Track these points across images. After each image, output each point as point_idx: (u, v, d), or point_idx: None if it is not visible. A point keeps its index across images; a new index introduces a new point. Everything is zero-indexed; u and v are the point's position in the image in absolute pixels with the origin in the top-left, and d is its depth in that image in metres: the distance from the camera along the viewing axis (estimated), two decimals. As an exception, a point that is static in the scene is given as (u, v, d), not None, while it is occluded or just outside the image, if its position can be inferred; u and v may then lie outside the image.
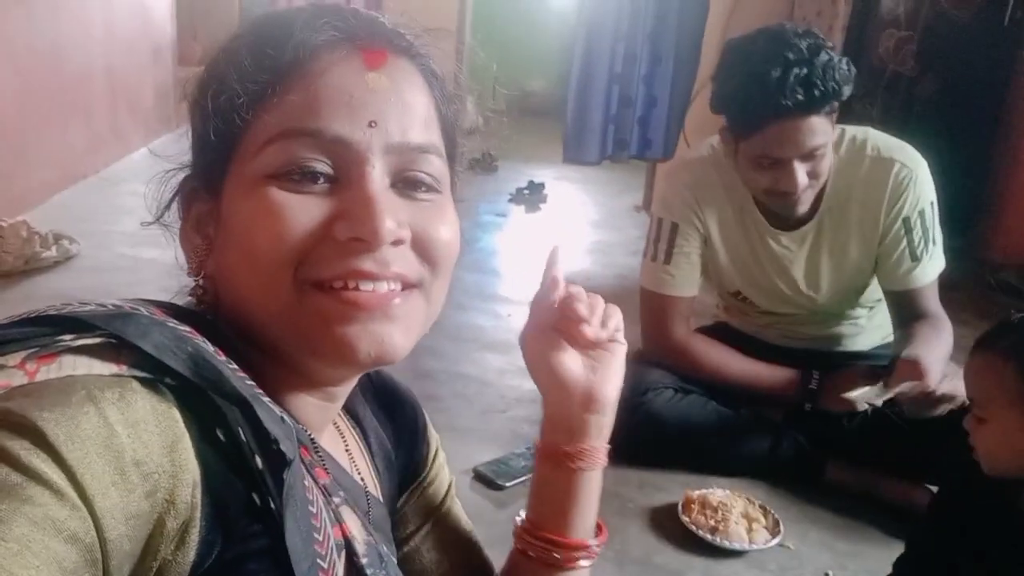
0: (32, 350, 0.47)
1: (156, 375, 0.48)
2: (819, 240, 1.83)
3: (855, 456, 1.85)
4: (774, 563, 1.64)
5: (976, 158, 3.86)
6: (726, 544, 1.64)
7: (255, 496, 0.50)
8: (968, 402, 1.20)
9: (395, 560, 0.70)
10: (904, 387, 1.62)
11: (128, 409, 0.46)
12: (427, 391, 2.18)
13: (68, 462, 0.42)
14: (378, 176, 0.56)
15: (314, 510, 0.55)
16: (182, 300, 0.62)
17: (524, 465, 1.88)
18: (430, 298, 0.60)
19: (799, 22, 4.58)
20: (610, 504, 1.76)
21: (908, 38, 3.89)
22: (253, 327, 0.58)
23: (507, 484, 1.81)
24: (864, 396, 1.70)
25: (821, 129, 1.59)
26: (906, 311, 1.80)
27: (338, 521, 0.60)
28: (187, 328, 0.52)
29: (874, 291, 1.91)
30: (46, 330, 0.48)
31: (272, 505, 0.50)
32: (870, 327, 1.99)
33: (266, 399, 0.53)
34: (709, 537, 1.65)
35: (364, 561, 0.61)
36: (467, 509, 0.87)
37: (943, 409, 1.64)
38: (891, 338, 1.99)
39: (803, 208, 1.73)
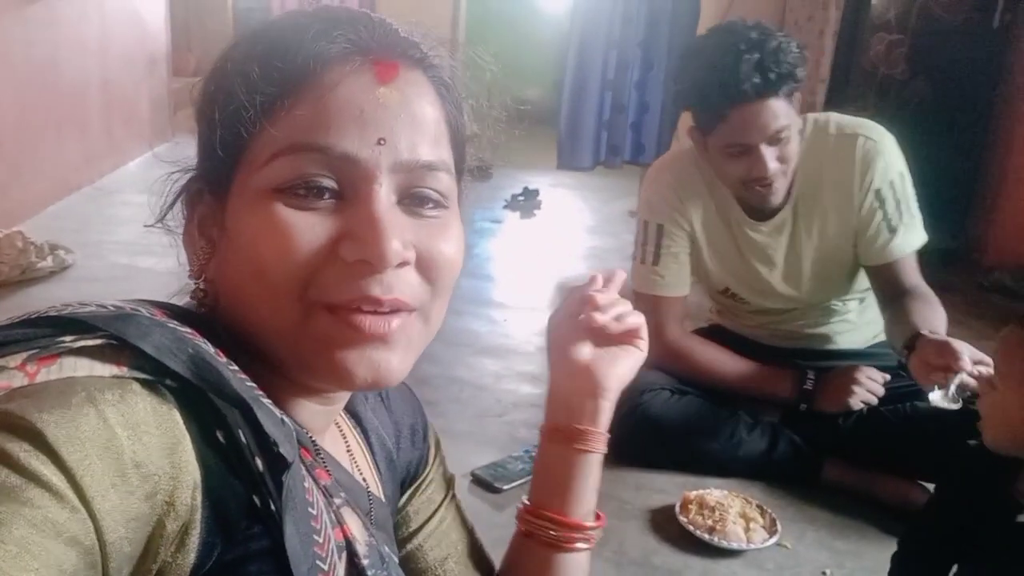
0: (32, 351, 0.47)
1: (157, 376, 0.48)
2: (797, 225, 1.85)
3: (851, 455, 1.86)
4: (772, 562, 1.64)
5: (968, 160, 3.88)
6: (724, 544, 1.64)
7: (255, 498, 0.50)
8: None
9: (397, 560, 0.70)
10: (969, 381, 1.48)
11: (128, 411, 0.45)
12: (424, 396, 2.16)
13: (68, 464, 0.42)
14: (385, 194, 0.55)
15: (314, 512, 0.55)
16: (181, 301, 0.62)
17: (522, 468, 1.88)
18: (429, 319, 0.60)
19: (790, 27, 4.60)
20: (608, 506, 1.75)
21: (899, 41, 3.92)
22: (255, 336, 0.58)
23: (505, 487, 1.82)
24: (945, 398, 1.55)
25: (782, 111, 1.64)
26: (890, 287, 1.80)
27: (339, 522, 0.60)
28: (188, 329, 0.52)
29: (860, 280, 1.92)
30: (46, 331, 0.48)
31: (272, 507, 0.50)
32: (861, 323, 2.00)
33: (266, 401, 0.53)
34: (707, 537, 1.65)
35: (365, 562, 0.61)
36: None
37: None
38: (883, 336, 2.00)
39: (777, 198, 1.76)
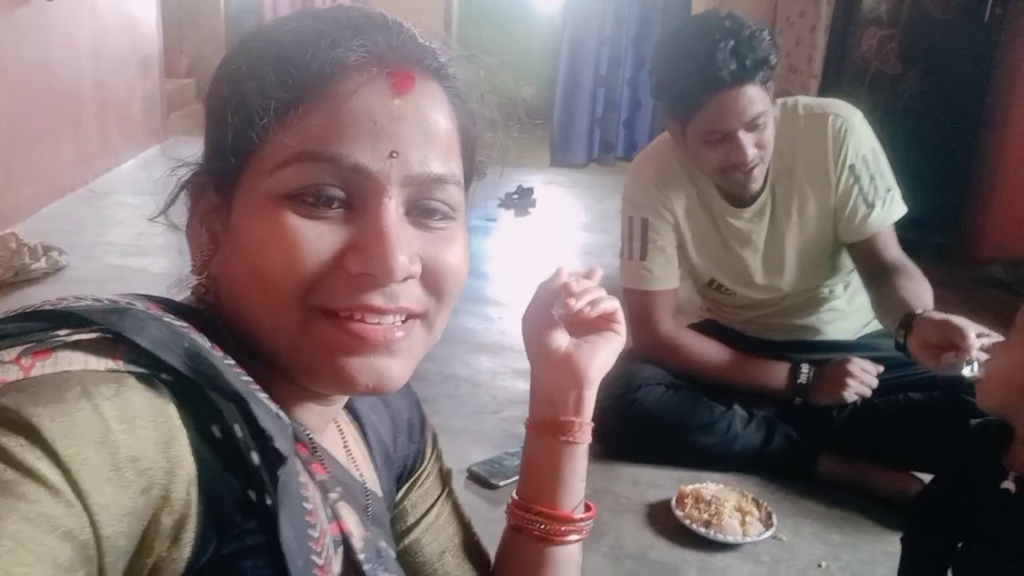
0: (27, 345, 0.47)
1: (152, 370, 0.48)
2: (776, 209, 1.86)
3: (846, 448, 1.87)
4: (768, 555, 1.65)
5: (961, 154, 3.88)
6: (720, 538, 1.65)
7: (251, 492, 0.50)
8: None
9: (394, 555, 0.70)
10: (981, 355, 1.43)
11: (124, 405, 0.45)
12: (420, 393, 2.16)
13: (63, 458, 0.42)
14: (394, 207, 0.55)
15: (309, 507, 0.55)
16: (181, 295, 0.61)
17: (517, 464, 1.86)
18: (432, 327, 0.61)
19: (782, 23, 4.62)
20: (604, 501, 1.77)
21: (890, 36, 3.92)
22: (255, 337, 0.57)
23: (501, 483, 1.82)
24: (957, 366, 1.47)
25: (759, 98, 1.65)
26: (871, 262, 1.81)
27: (335, 517, 0.60)
28: (183, 324, 0.53)
29: (842, 264, 1.93)
30: (41, 325, 0.48)
31: (268, 502, 0.50)
32: (849, 311, 2.00)
33: (262, 395, 0.54)
34: (703, 531, 1.66)
35: (361, 557, 0.61)
36: (462, 508, 0.88)
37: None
38: (874, 326, 2.01)
39: (756, 184, 1.78)
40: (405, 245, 0.55)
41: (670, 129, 1.83)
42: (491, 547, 0.86)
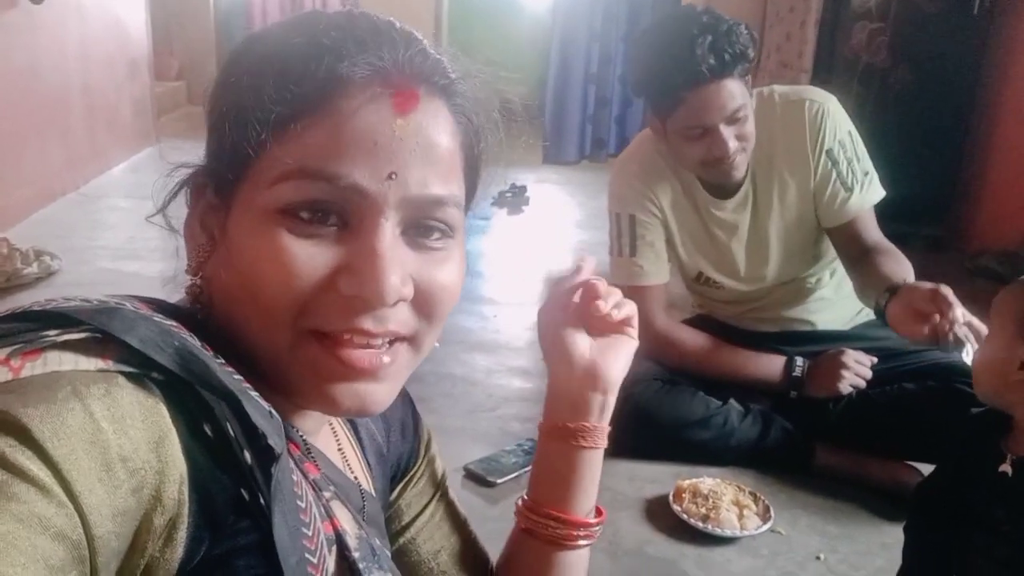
0: (16, 346, 0.46)
1: (142, 370, 0.48)
2: (758, 197, 1.87)
3: (842, 439, 1.87)
4: (766, 548, 1.65)
5: (951, 146, 3.90)
6: (718, 531, 1.65)
7: (243, 491, 0.50)
8: None
9: (389, 553, 0.70)
10: (967, 333, 1.43)
11: (114, 404, 0.45)
12: (415, 392, 2.16)
13: (54, 459, 0.42)
14: (389, 228, 0.54)
15: (303, 504, 0.55)
16: (174, 294, 0.61)
17: (514, 462, 1.89)
18: (420, 348, 0.60)
19: (772, 18, 4.62)
20: (601, 497, 1.73)
21: (880, 30, 3.93)
22: (247, 346, 0.57)
23: (498, 481, 1.82)
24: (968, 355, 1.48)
25: (738, 91, 1.67)
26: (852, 245, 1.82)
27: (328, 516, 0.60)
28: (173, 323, 0.52)
29: (825, 250, 1.94)
30: (30, 326, 0.48)
31: (261, 500, 0.50)
32: (838, 299, 2.00)
33: (254, 393, 0.53)
34: (701, 525, 1.66)
35: (356, 555, 0.61)
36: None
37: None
38: (866, 315, 2.01)
39: (739, 173, 1.79)
40: (398, 267, 0.54)
41: (651, 124, 1.84)
42: (489, 545, 0.85)
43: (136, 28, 5.41)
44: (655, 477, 1.88)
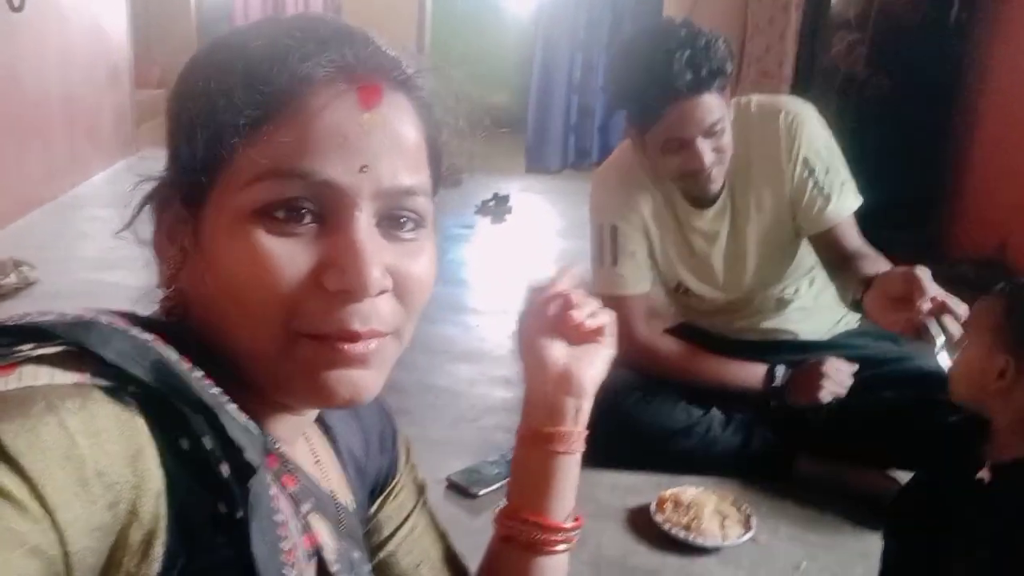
0: None
1: (118, 384, 0.48)
2: (735, 207, 1.89)
3: (823, 448, 1.88)
4: (747, 558, 1.65)
5: (929, 155, 3.94)
6: (700, 542, 1.65)
7: (220, 506, 0.50)
8: None
9: (368, 568, 0.70)
10: (954, 326, 1.33)
11: (90, 419, 0.45)
12: (398, 403, 2.17)
13: (29, 474, 0.42)
14: (365, 220, 0.55)
15: (281, 519, 0.55)
16: (147, 309, 0.61)
17: (497, 473, 1.88)
18: (402, 338, 0.61)
19: (752, 29, 4.67)
20: (584, 507, 1.74)
21: (859, 40, 3.98)
22: (228, 352, 0.57)
23: (480, 492, 1.82)
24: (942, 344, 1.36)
25: (716, 105, 1.68)
26: (833, 252, 1.82)
27: (307, 529, 0.60)
28: (150, 336, 0.52)
29: (803, 258, 1.95)
30: (5, 340, 0.48)
31: (238, 515, 0.50)
32: (817, 309, 2.02)
33: (231, 407, 0.53)
34: (683, 535, 1.66)
35: (335, 569, 0.61)
36: (441, 518, 0.87)
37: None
38: (846, 324, 2.03)
39: (716, 185, 1.80)
40: (378, 257, 0.55)
41: (630, 136, 1.85)
42: (471, 556, 0.85)
43: (117, 35, 5.38)
44: (637, 487, 1.88)
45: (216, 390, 0.53)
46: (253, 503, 0.51)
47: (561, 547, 0.78)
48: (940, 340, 1.28)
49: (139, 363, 0.49)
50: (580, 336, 0.79)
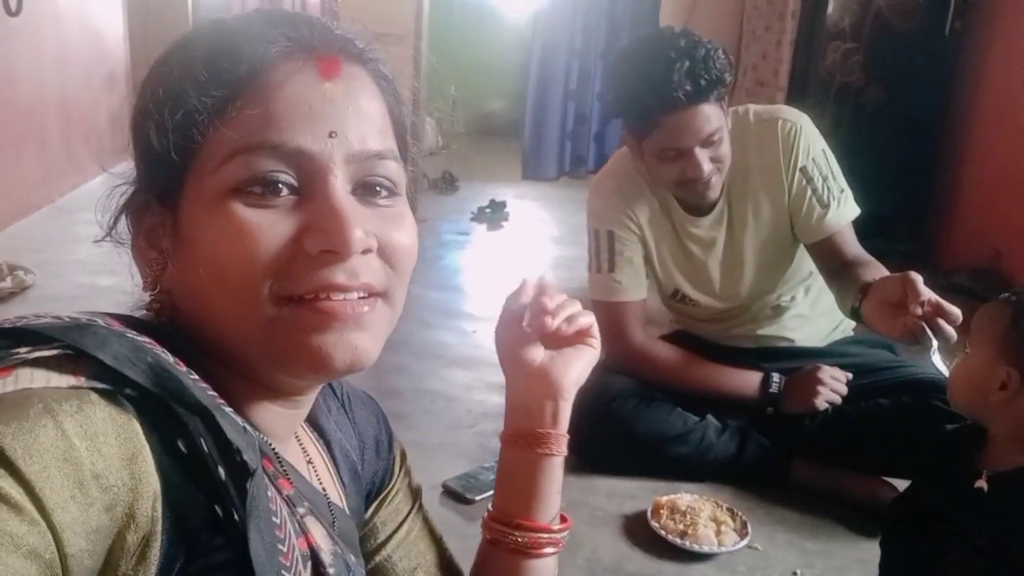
0: None
1: (115, 386, 0.48)
2: (732, 215, 1.89)
3: (818, 455, 1.88)
4: (743, 564, 1.65)
5: (924, 164, 3.96)
6: (695, 548, 1.65)
7: (217, 508, 0.50)
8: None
9: (363, 571, 0.70)
10: (947, 329, 1.34)
11: (86, 421, 0.45)
12: (394, 408, 2.18)
13: (26, 476, 0.42)
14: (341, 185, 0.56)
15: (278, 521, 0.55)
16: (137, 315, 0.61)
17: (492, 479, 1.86)
18: (393, 303, 0.61)
19: (748, 37, 4.68)
20: (580, 513, 1.77)
21: (854, 49, 4.00)
22: (219, 340, 0.57)
23: (476, 498, 1.81)
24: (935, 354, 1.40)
25: (714, 115, 1.69)
26: (832, 260, 1.83)
27: (303, 532, 0.60)
28: (146, 339, 0.52)
29: (799, 266, 1.95)
30: (1, 343, 0.48)
31: (235, 516, 0.50)
32: (814, 316, 2.02)
33: (228, 409, 0.53)
34: (679, 542, 1.66)
35: (331, 571, 0.61)
36: (437, 524, 0.87)
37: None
38: (842, 332, 2.03)
39: (714, 193, 1.81)
40: (358, 220, 0.56)
41: (628, 143, 1.86)
42: (467, 562, 0.85)
43: (114, 40, 5.38)
44: (633, 493, 1.88)
45: (213, 393, 0.53)
46: (251, 505, 0.51)
47: (548, 549, 0.78)
48: (934, 343, 1.30)
49: (136, 366, 0.49)
50: (561, 340, 0.79)
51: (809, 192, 1.83)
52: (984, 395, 1.14)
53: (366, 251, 0.56)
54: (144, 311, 0.61)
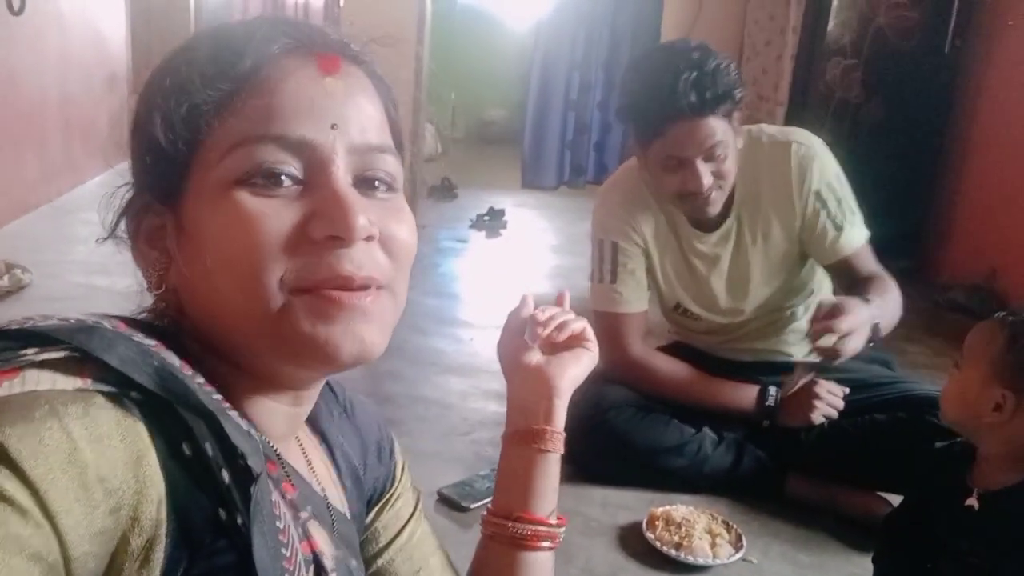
0: None
1: (121, 389, 0.48)
2: (741, 234, 1.90)
3: (814, 469, 1.88)
4: (737, 577, 1.65)
5: (921, 180, 3.98)
6: (690, 560, 1.65)
7: (221, 511, 0.50)
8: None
9: (364, 575, 0.70)
10: (823, 341, 1.60)
11: (92, 424, 0.45)
12: (389, 415, 2.17)
13: (31, 479, 0.42)
14: (343, 176, 0.57)
15: (281, 525, 0.55)
16: (142, 315, 0.61)
17: (488, 487, 1.87)
18: (396, 295, 0.61)
19: (749, 52, 4.71)
20: (574, 523, 1.76)
21: (854, 66, 4.02)
22: (225, 336, 0.57)
23: (471, 506, 1.81)
24: (800, 376, 1.79)
25: (719, 129, 1.68)
26: (847, 279, 1.85)
27: (306, 536, 0.60)
28: (153, 341, 0.52)
29: (802, 284, 1.96)
30: (8, 344, 0.48)
31: (239, 520, 0.50)
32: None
33: (233, 413, 0.53)
34: (673, 553, 1.66)
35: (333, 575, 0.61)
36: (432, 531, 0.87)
37: (851, 347, 1.60)
38: None
39: (714, 209, 1.81)
40: (361, 208, 0.56)
41: (634, 151, 1.86)
42: (462, 569, 0.86)
43: (115, 42, 5.39)
44: (628, 504, 1.88)
45: (218, 397, 0.53)
46: (255, 509, 0.51)
47: (545, 543, 0.81)
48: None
49: (142, 369, 0.49)
50: (558, 346, 0.86)
51: (824, 215, 1.83)
52: (977, 415, 1.15)
53: (369, 238, 0.57)
54: (148, 312, 0.61)
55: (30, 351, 0.48)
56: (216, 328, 0.57)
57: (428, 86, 4.34)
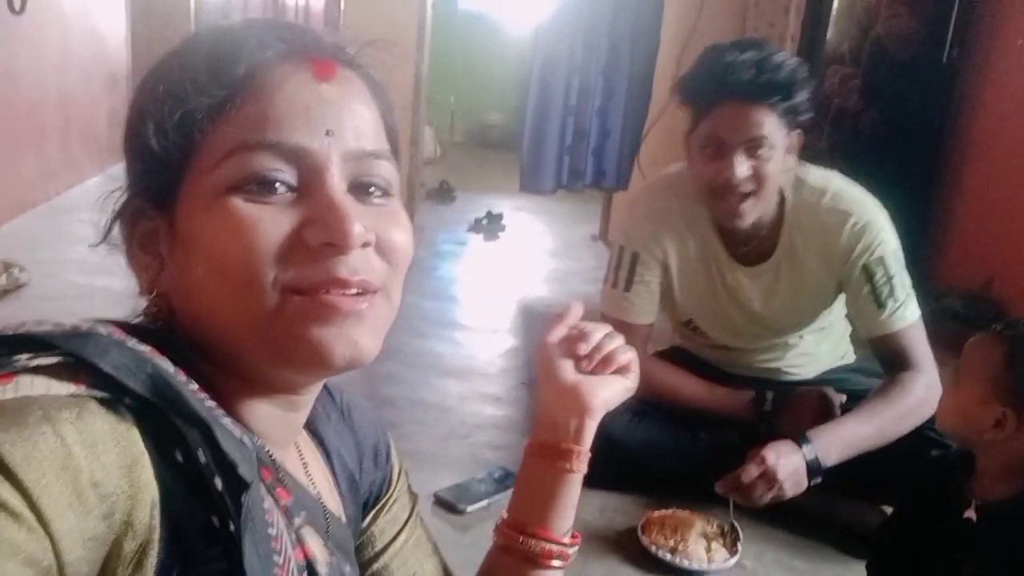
0: None
1: (115, 395, 0.48)
2: (779, 277, 1.87)
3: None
4: (732, 583, 1.65)
5: (919, 188, 3.98)
6: (685, 564, 1.65)
7: (214, 518, 0.50)
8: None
9: (359, 580, 0.70)
10: (758, 502, 1.67)
11: (86, 429, 0.45)
12: (387, 418, 2.17)
13: (25, 484, 0.42)
14: (337, 182, 0.57)
15: (274, 532, 0.55)
16: (134, 321, 0.61)
17: (485, 490, 1.88)
18: (391, 299, 0.61)
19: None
20: (570, 528, 1.76)
21: (853, 74, 4.03)
22: (219, 340, 0.57)
23: (468, 508, 1.81)
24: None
25: (768, 123, 1.64)
26: (882, 356, 1.82)
27: (299, 543, 0.60)
28: (147, 348, 0.52)
29: (820, 319, 1.95)
30: (1, 349, 0.48)
31: (231, 528, 0.50)
32: (819, 354, 2.03)
33: (226, 420, 0.53)
34: (669, 557, 1.66)
35: None
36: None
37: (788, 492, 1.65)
38: (844, 360, 2.04)
39: (744, 220, 1.74)
40: (357, 215, 0.56)
41: (686, 142, 1.79)
42: (459, 572, 0.85)
43: (115, 42, 5.39)
44: (624, 508, 1.88)
45: (211, 403, 0.53)
46: (246, 517, 0.51)
47: (556, 562, 0.81)
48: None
49: (136, 375, 0.49)
50: (599, 367, 0.84)
51: (868, 288, 1.78)
52: (977, 431, 1.14)
53: (365, 245, 0.57)
54: (141, 317, 0.61)
55: (24, 356, 0.48)
56: (209, 333, 0.57)
57: (427, 90, 4.34)
